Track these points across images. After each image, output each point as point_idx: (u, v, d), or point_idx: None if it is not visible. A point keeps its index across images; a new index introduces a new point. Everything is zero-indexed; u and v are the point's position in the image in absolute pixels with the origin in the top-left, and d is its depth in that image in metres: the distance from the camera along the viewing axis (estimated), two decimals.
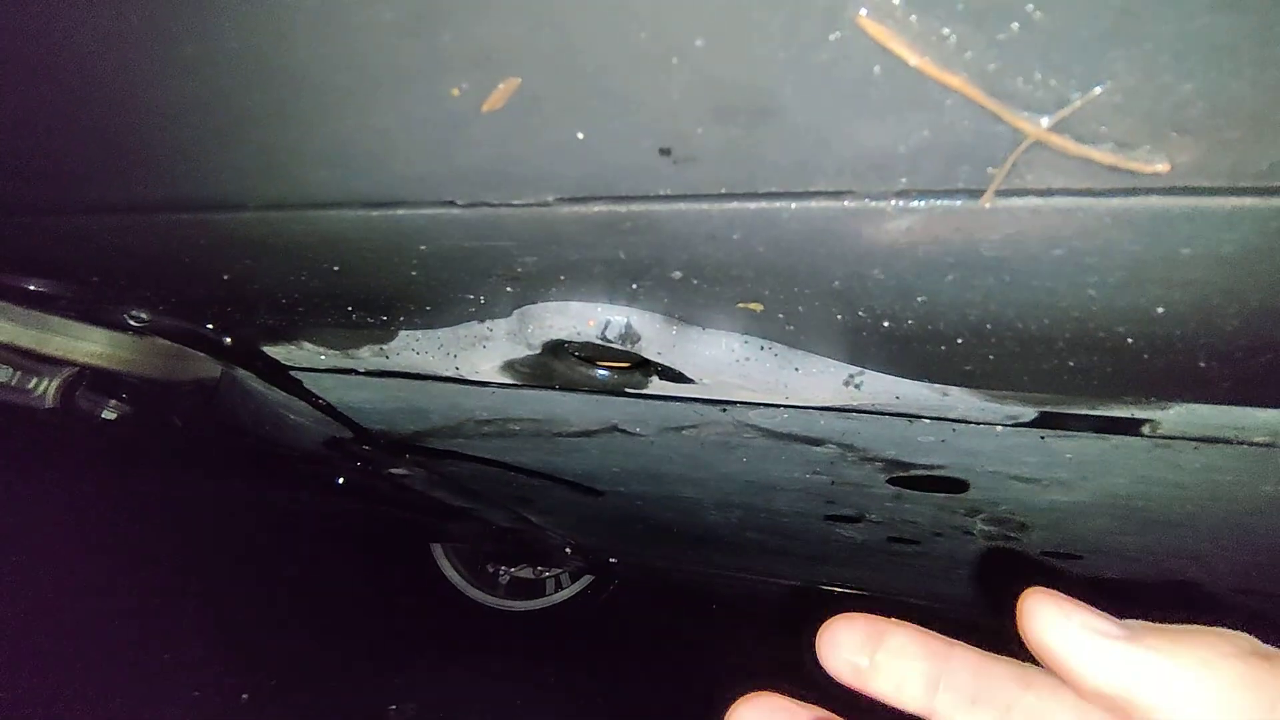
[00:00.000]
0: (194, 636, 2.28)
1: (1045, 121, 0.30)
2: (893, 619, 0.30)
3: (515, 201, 0.42)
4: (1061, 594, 0.28)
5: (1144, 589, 1.28)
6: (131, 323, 0.86)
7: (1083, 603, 0.28)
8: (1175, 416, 0.61)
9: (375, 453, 1.41)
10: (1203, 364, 0.48)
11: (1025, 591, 0.28)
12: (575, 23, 0.31)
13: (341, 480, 1.82)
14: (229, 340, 0.91)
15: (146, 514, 2.37)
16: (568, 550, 2.33)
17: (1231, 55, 0.27)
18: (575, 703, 2.71)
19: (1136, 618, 0.30)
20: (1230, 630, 0.27)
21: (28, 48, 0.38)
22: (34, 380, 1.17)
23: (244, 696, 2.21)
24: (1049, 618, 0.27)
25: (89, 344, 1.12)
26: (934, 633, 0.30)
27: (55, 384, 1.18)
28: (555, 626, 2.86)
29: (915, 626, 0.30)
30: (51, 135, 0.44)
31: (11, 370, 1.16)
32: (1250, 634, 0.28)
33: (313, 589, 2.74)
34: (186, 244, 0.54)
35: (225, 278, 0.61)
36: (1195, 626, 0.27)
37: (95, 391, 1.25)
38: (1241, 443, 0.64)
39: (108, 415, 1.29)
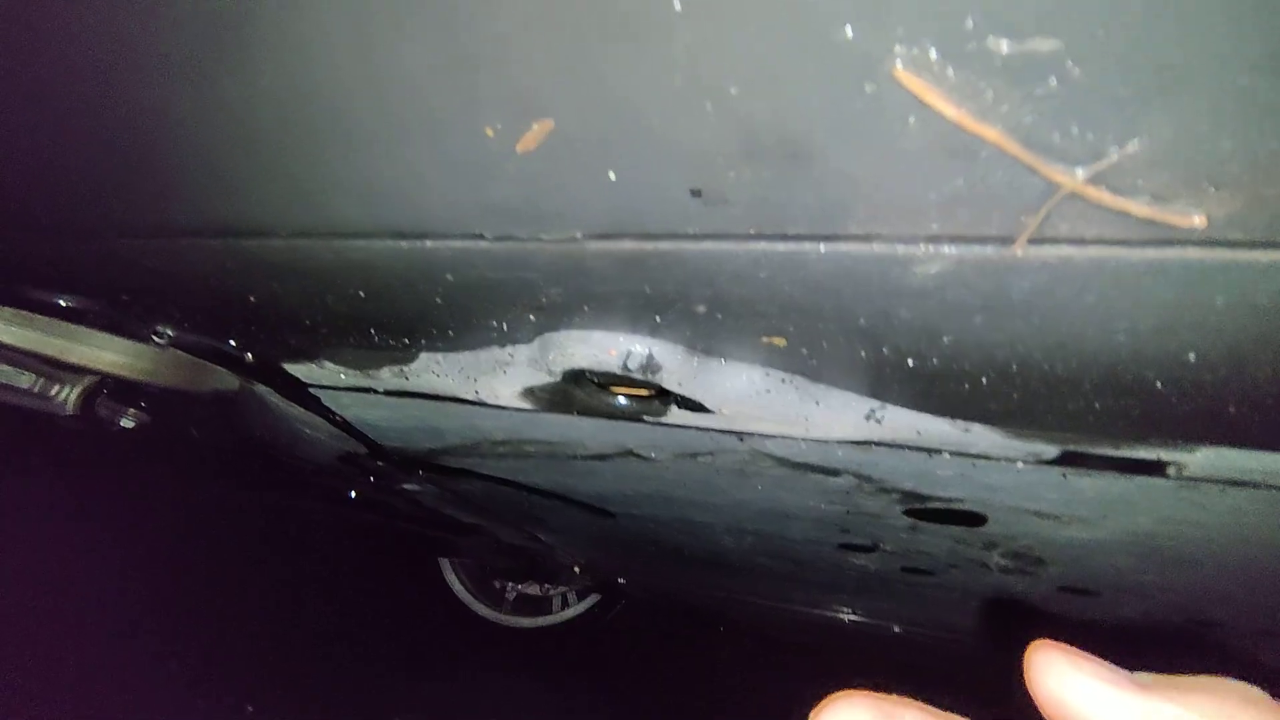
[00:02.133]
0: (201, 647, 2.28)
1: (1081, 174, 0.30)
2: (893, 695, 0.29)
3: (544, 236, 0.42)
4: (1070, 646, 0.28)
5: (1163, 627, 1.25)
6: (156, 339, 0.87)
7: (1092, 655, 0.27)
8: (1202, 459, 0.60)
9: (389, 468, 1.42)
10: (1233, 409, 0.48)
11: (1032, 644, 0.27)
12: (610, 69, 0.31)
13: (354, 494, 1.82)
14: (250, 357, 0.92)
15: (154, 525, 2.38)
16: (576, 569, 2.32)
17: (1272, 114, 0.27)
18: None
19: (1155, 656, 0.29)
20: (1241, 682, 0.27)
21: (75, 81, 0.39)
22: (56, 387, 1.19)
23: (249, 709, 2.20)
24: (1061, 672, 0.26)
25: (111, 353, 1.13)
26: (934, 709, 0.29)
27: (76, 391, 1.20)
28: (560, 645, 2.83)
29: (917, 703, 0.29)
30: (93, 162, 0.45)
31: (34, 376, 1.18)
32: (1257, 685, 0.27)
33: (320, 600, 2.74)
34: (215, 268, 0.55)
35: (251, 300, 0.62)
36: (1206, 678, 0.27)
37: (115, 400, 1.26)
38: (1271, 487, 0.63)
39: (126, 424, 1.30)
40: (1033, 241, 0.34)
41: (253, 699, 2.24)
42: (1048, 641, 0.27)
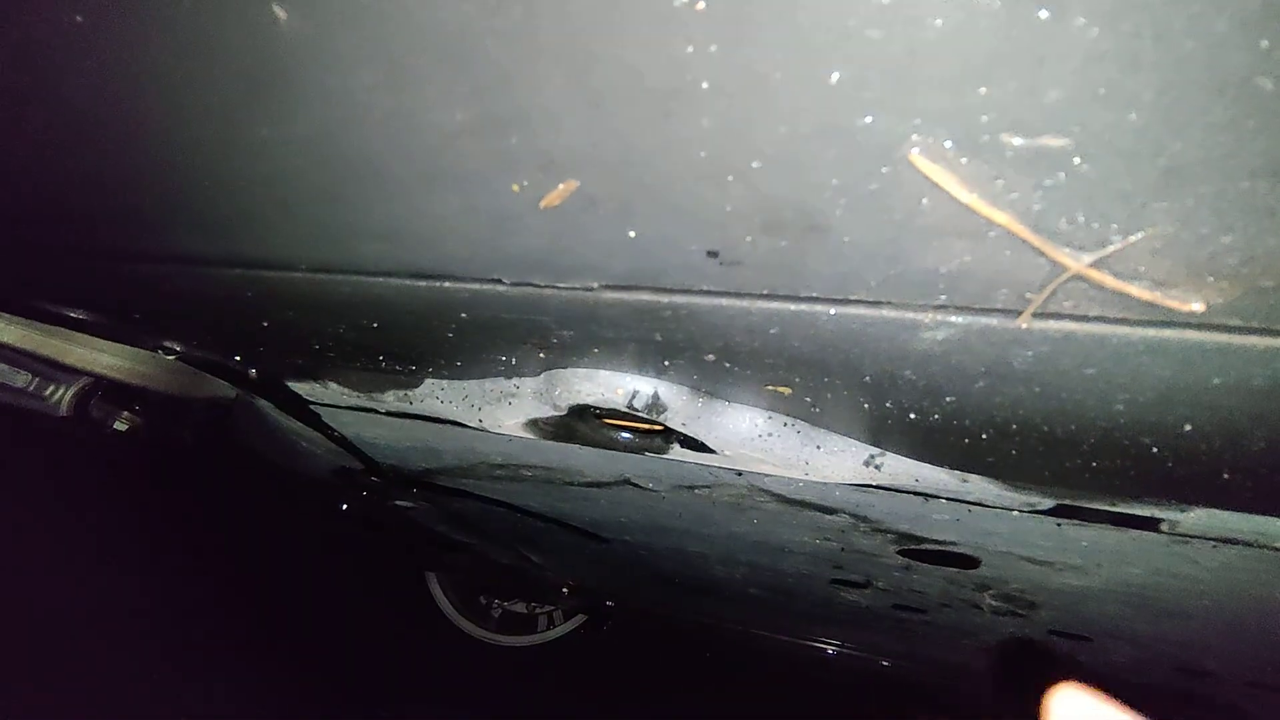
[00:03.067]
0: (179, 660, 2.25)
1: (1086, 258, 0.31)
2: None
3: (560, 285, 0.43)
4: (1093, 689, 0.29)
5: (1153, 675, 1.26)
6: (163, 354, 0.87)
7: (1114, 700, 0.28)
8: (1195, 518, 0.61)
9: (383, 485, 1.41)
10: (1227, 476, 0.49)
11: (1056, 686, 0.28)
12: (638, 139, 0.32)
13: (345, 506, 1.82)
14: (254, 373, 0.93)
15: (138, 531, 2.36)
16: (565, 590, 2.30)
17: (1269, 214, 0.28)
18: None
19: (1145, 704, 0.30)
20: None
21: (115, 114, 0.40)
22: (50, 387, 1.19)
23: None
24: (1084, 714, 0.27)
25: (108, 356, 1.14)
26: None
27: (71, 392, 1.20)
28: (544, 665, 2.81)
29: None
30: (123, 190, 0.46)
31: (30, 376, 1.18)
32: None
33: (303, 611, 2.72)
34: (233, 295, 0.56)
35: (264, 324, 0.63)
36: None
37: (109, 402, 1.26)
38: (1262, 546, 0.64)
39: (119, 426, 1.30)
40: (1037, 316, 0.36)
41: (232, 710, 2.21)
42: (1071, 684, 0.28)
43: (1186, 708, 1.35)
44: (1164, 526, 0.65)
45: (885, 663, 2.08)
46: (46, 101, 0.41)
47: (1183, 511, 0.60)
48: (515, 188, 0.36)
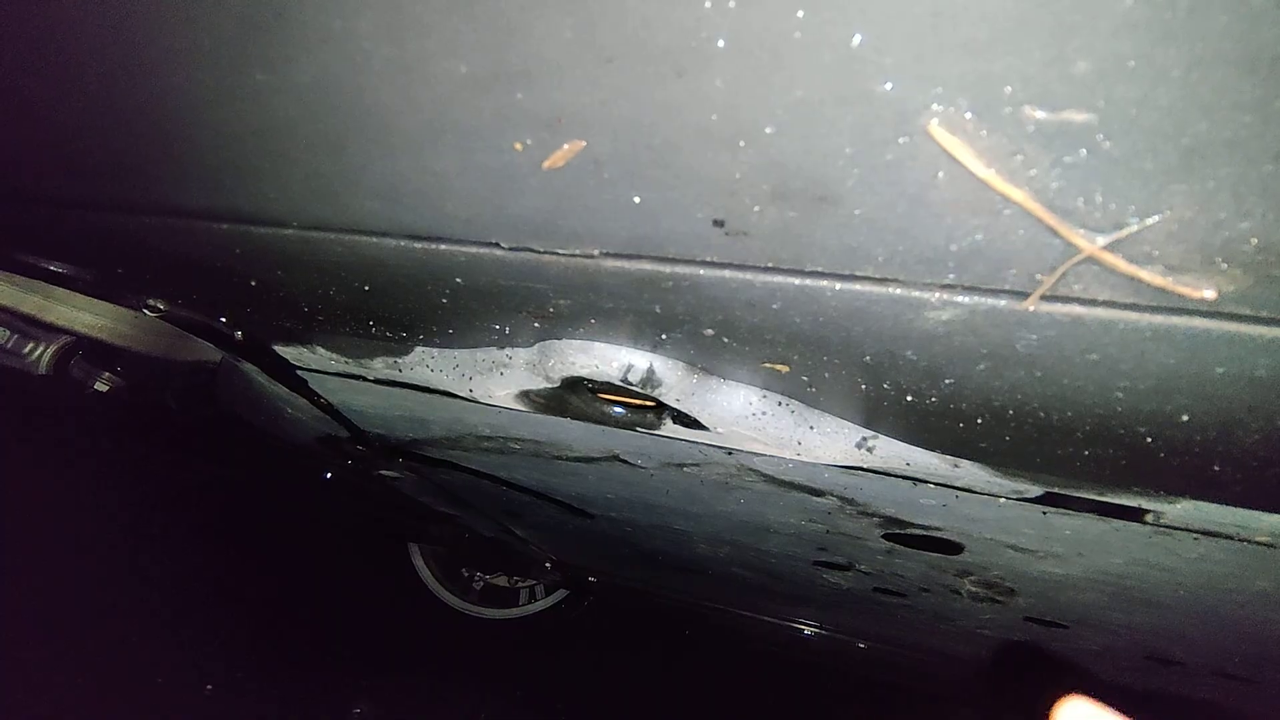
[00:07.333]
0: (160, 626, 2.24)
1: (1100, 240, 0.31)
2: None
3: (560, 251, 0.42)
4: (1099, 702, 0.29)
5: (1123, 663, 1.28)
6: (147, 311, 0.85)
7: (1120, 714, 0.29)
8: (1181, 510, 0.62)
9: (369, 454, 1.41)
10: (1217, 468, 0.49)
11: (1063, 699, 0.28)
12: (648, 99, 0.31)
13: (329, 475, 1.81)
14: (240, 336, 0.91)
15: (119, 497, 2.33)
16: (548, 565, 2.31)
17: None
18: (539, 717, 2.68)
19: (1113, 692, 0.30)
20: None
21: (101, 57, 0.39)
22: (30, 345, 1.17)
23: (208, 688, 2.18)
24: None
25: (91, 315, 1.11)
26: None
27: (51, 351, 1.17)
28: (525, 638, 2.83)
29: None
30: (108, 138, 0.44)
31: (9, 333, 1.16)
32: None
33: (285, 580, 2.71)
34: (221, 251, 0.54)
35: (252, 284, 0.61)
36: None
37: (90, 362, 1.24)
38: (1243, 540, 0.65)
39: (100, 387, 1.28)
40: (1045, 298, 0.35)
41: (212, 677, 2.21)
42: (1077, 697, 0.28)
43: (1154, 695, 1.38)
44: (1149, 518, 0.66)
45: (862, 645, 2.11)
46: (27, 40, 0.39)
47: (1169, 503, 0.61)
48: (518, 146, 0.35)
